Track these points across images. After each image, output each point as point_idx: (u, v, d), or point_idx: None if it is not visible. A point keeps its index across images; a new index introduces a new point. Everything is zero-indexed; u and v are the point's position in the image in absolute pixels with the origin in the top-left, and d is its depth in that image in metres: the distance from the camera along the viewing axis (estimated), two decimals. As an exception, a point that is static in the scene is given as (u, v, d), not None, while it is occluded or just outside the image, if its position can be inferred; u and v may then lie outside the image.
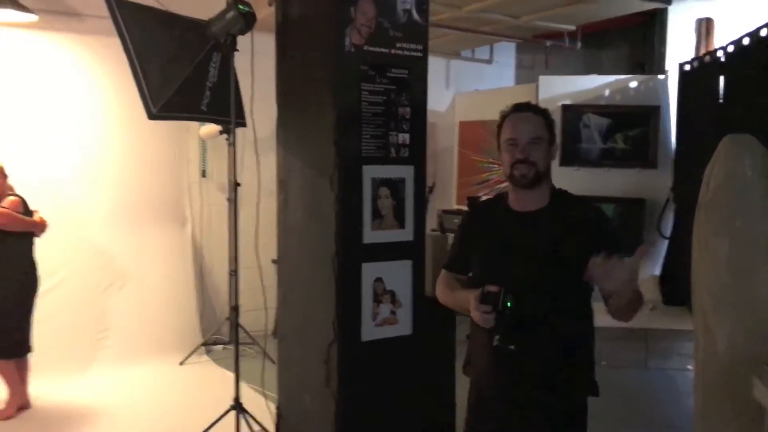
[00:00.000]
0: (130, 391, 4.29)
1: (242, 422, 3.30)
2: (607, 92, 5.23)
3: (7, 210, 3.69)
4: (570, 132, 5.14)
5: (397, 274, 2.57)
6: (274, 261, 4.35)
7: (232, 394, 3.33)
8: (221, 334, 5.22)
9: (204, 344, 4.99)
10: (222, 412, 3.35)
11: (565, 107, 5.13)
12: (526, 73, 6.93)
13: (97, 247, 4.75)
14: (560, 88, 5.25)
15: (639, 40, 6.47)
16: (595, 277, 1.78)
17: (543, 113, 1.99)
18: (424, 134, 2.62)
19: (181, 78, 2.96)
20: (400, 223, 2.57)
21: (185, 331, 4.96)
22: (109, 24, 4.76)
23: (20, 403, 3.91)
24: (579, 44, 6.03)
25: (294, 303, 2.82)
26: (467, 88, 6.62)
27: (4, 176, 3.81)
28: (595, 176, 5.07)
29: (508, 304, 1.80)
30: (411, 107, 2.58)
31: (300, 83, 2.71)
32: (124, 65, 4.56)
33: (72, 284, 4.51)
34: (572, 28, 5.73)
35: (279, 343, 2.96)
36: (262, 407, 3.56)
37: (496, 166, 5.81)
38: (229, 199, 4.68)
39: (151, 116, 3.04)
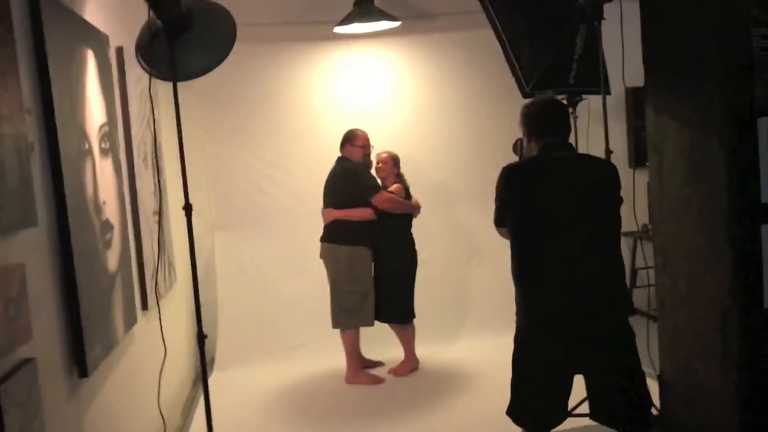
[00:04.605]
0: (490, 359, 4.55)
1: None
2: None
3: (393, 195, 4.27)
4: None
5: (805, 236, 2.33)
6: (645, 228, 4.24)
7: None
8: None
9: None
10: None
11: None
12: None
13: (458, 225, 5.20)
14: None
15: None
16: None
17: None
18: (832, 76, 2.32)
19: (550, 54, 3.06)
20: (805, 179, 2.32)
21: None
22: (456, 20, 5.11)
23: (412, 365, 4.47)
24: None
25: (676, 270, 2.73)
26: None
27: (397, 165, 4.41)
28: None
29: None
30: (813, 48, 2.30)
31: (673, 40, 2.61)
32: (470, 57, 4.88)
33: (438, 259, 5.01)
34: None
35: (659, 310, 2.90)
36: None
37: None
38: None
39: (525, 95, 3.19)
